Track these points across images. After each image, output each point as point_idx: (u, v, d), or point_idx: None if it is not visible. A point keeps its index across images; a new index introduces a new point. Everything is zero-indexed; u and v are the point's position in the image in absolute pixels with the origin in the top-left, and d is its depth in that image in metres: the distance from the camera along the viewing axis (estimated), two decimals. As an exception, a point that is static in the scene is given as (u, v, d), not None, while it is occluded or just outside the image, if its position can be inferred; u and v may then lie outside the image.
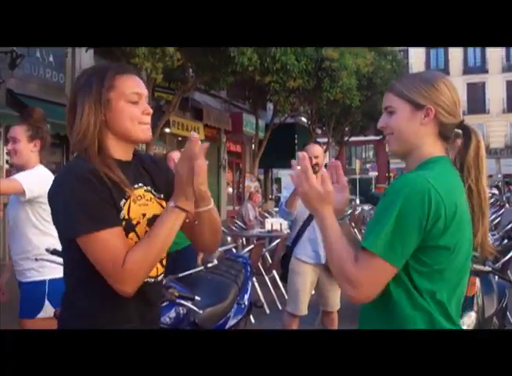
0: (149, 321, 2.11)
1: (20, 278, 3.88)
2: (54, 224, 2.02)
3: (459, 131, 2.04)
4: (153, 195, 2.13)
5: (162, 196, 2.15)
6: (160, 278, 2.15)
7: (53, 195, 1.98)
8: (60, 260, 2.38)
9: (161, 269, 2.15)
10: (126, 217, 1.99)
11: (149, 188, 2.13)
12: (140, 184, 2.10)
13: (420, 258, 1.85)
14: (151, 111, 2.09)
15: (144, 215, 2.05)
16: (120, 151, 2.06)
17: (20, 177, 3.71)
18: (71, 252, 1.99)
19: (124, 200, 1.99)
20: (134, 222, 2.01)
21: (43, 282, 3.74)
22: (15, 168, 4.02)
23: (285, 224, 9.61)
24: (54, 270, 3.63)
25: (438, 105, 1.97)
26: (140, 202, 2.06)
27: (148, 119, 2.08)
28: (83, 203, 1.88)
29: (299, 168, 1.99)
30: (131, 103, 2.03)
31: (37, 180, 3.69)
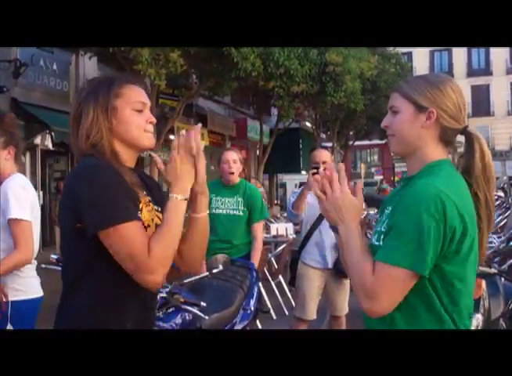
0: (141, 322, 2.10)
1: None
2: (72, 219, 1.99)
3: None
4: (153, 206, 2.16)
5: (159, 209, 2.17)
6: None
7: (77, 189, 1.95)
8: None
9: None
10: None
11: (150, 199, 2.16)
12: (144, 192, 2.14)
13: (444, 267, 1.85)
14: (155, 120, 2.14)
15: (153, 219, 2.09)
16: (126, 158, 2.10)
17: (13, 213, 3.34)
18: (78, 251, 2.01)
19: (139, 202, 2.04)
20: (145, 224, 2.04)
21: (5, 304, 3.35)
22: None
23: (290, 229, 9.60)
24: (16, 292, 3.38)
25: (441, 109, 1.95)
26: (148, 208, 2.10)
27: (152, 128, 2.13)
28: (113, 195, 1.91)
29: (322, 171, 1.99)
30: (137, 111, 2.08)
31: (24, 203, 3.39)
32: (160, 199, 2.20)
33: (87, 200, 1.91)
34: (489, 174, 1.99)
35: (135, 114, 2.08)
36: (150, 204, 2.14)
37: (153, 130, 2.14)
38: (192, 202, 2.10)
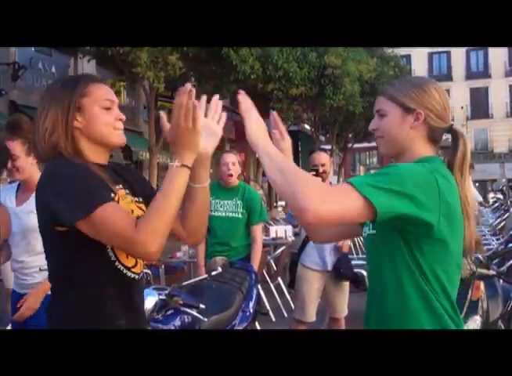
0: (134, 319, 2.12)
1: None
2: (50, 224, 1.99)
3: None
4: (132, 198, 2.16)
5: (141, 199, 2.18)
6: (141, 275, 2.18)
7: (48, 186, 1.96)
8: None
9: (141, 267, 2.18)
10: None
11: (127, 191, 2.16)
12: (120, 186, 2.13)
13: (419, 252, 1.88)
14: (124, 117, 2.14)
15: (133, 211, 2.10)
16: (96, 155, 2.10)
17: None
18: (61, 245, 2.01)
19: (113, 195, 2.02)
20: None
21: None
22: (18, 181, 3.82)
23: (289, 231, 9.60)
24: None
25: (427, 109, 2.02)
26: (126, 200, 2.11)
27: (121, 125, 2.13)
28: (82, 185, 1.90)
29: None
30: (105, 109, 2.09)
31: None
32: (145, 190, 2.21)
33: (58, 197, 1.90)
34: (464, 170, 2.03)
35: (103, 112, 2.08)
36: (128, 196, 2.14)
37: (122, 127, 2.13)
38: (191, 171, 2.02)
